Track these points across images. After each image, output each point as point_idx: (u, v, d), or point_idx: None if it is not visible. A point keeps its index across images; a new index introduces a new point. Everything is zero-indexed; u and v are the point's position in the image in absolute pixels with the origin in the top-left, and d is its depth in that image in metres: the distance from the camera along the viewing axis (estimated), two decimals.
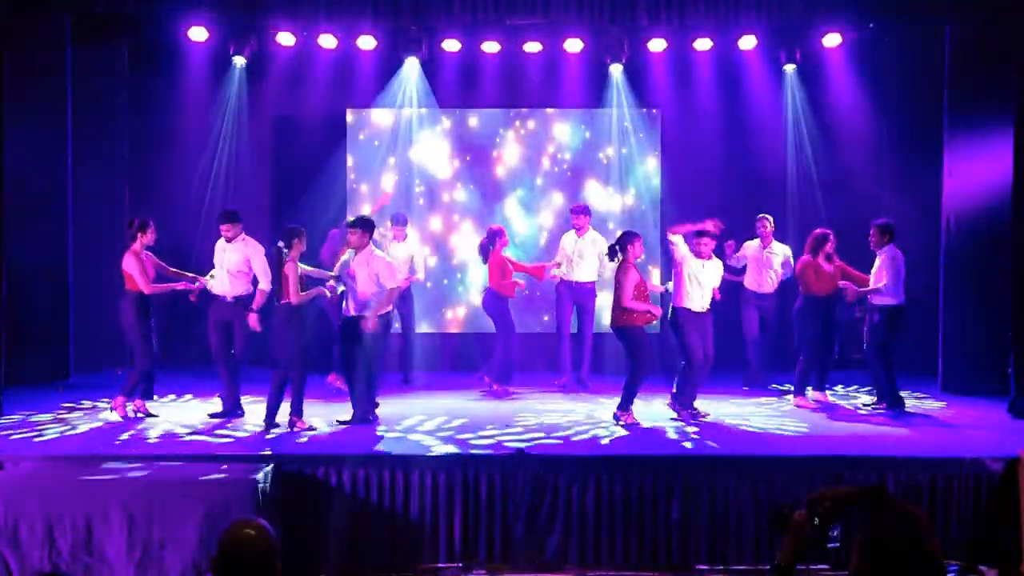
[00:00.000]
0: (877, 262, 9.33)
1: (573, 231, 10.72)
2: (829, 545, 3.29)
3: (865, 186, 12.03)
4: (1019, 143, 9.35)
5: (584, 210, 10.78)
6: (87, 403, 9.55)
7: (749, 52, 11.72)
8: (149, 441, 7.92)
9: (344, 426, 8.44)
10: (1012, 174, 9.45)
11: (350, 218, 9.70)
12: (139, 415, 8.78)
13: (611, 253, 8.90)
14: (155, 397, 9.54)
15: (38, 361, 10.45)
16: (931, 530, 3.20)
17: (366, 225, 8.65)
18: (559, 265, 10.66)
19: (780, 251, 10.67)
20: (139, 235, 8.76)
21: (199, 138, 12.15)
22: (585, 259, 10.58)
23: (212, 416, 8.79)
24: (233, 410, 8.86)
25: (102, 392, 10.10)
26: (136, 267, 8.64)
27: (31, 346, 10.21)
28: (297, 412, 8.34)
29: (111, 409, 8.80)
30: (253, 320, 8.78)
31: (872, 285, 9.24)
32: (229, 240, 8.97)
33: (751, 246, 10.68)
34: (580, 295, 10.64)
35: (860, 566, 3.11)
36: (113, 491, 6.52)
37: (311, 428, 8.33)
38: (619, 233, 9.19)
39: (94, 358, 11.58)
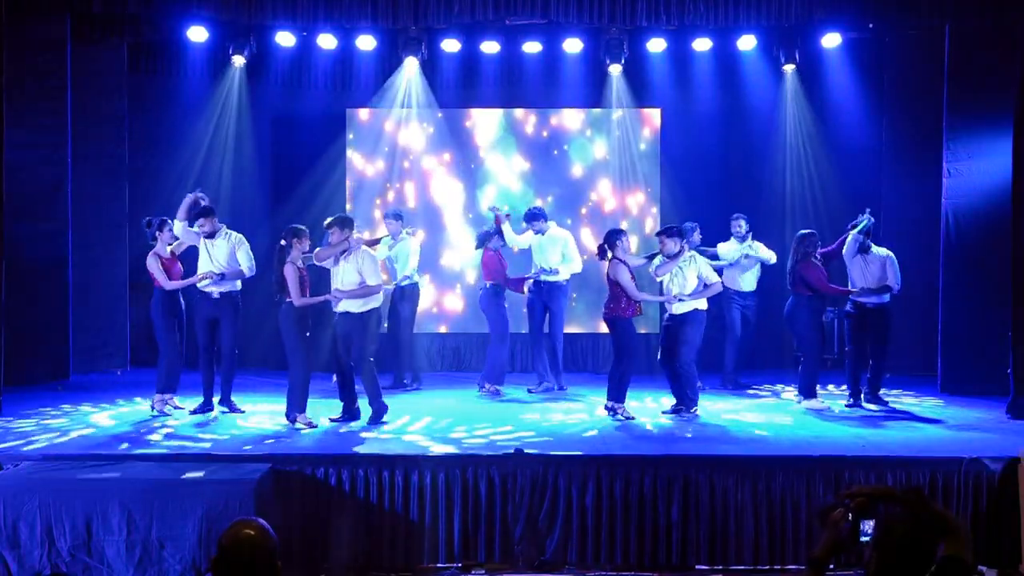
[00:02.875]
0: (866, 262, 9.35)
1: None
2: (861, 539, 3.28)
3: (865, 186, 12.03)
4: (1018, 142, 9.34)
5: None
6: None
7: (749, 52, 11.73)
8: (150, 441, 7.92)
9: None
10: (1012, 173, 9.45)
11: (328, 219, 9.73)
12: (168, 409, 8.98)
13: (601, 252, 9.06)
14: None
15: (38, 361, 10.46)
16: (963, 540, 3.20)
17: (343, 223, 8.68)
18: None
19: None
20: (158, 235, 8.94)
21: (199, 138, 12.15)
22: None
23: (192, 412, 8.98)
24: (206, 406, 9.02)
25: (101, 392, 10.14)
26: (156, 267, 8.89)
27: (31, 346, 10.20)
28: (299, 408, 8.41)
29: (152, 408, 8.95)
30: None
31: (877, 284, 9.29)
32: (209, 236, 9.00)
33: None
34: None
35: (868, 563, 3.14)
36: (113, 491, 6.52)
37: (311, 425, 8.37)
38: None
39: (94, 358, 11.59)
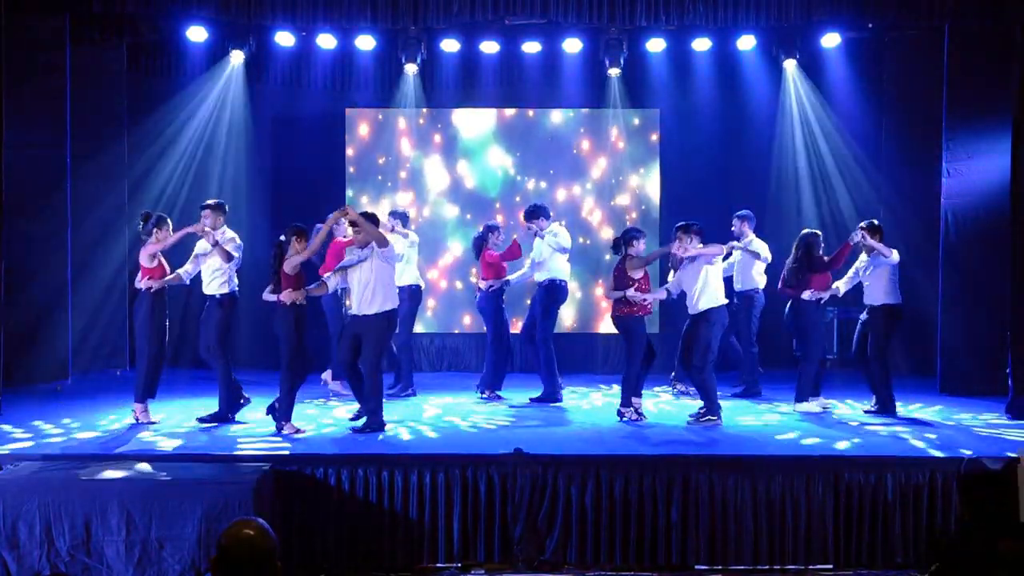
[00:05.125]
0: (870, 263, 9.30)
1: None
2: None
3: (864, 185, 12.05)
4: (1017, 142, 9.35)
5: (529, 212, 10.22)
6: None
7: (748, 52, 11.74)
8: (149, 441, 7.91)
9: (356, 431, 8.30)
10: (1011, 173, 9.46)
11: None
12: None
13: (616, 247, 9.11)
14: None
15: (37, 361, 10.44)
16: None
17: (374, 221, 8.49)
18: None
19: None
20: (155, 231, 8.63)
21: (198, 138, 12.16)
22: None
23: (200, 420, 8.63)
24: (225, 412, 8.72)
25: (100, 392, 10.15)
26: (149, 259, 8.55)
27: (30, 346, 10.20)
28: (285, 416, 8.19)
29: (134, 418, 8.61)
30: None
31: (889, 290, 9.22)
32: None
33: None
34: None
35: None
36: (112, 491, 6.51)
37: (299, 431, 8.17)
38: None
39: (93, 358, 11.59)
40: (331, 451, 7.56)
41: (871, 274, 9.25)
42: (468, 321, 12.27)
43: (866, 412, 9.29)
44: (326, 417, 8.92)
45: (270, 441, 7.91)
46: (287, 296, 8.15)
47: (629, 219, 12.22)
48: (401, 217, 10.34)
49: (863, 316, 9.39)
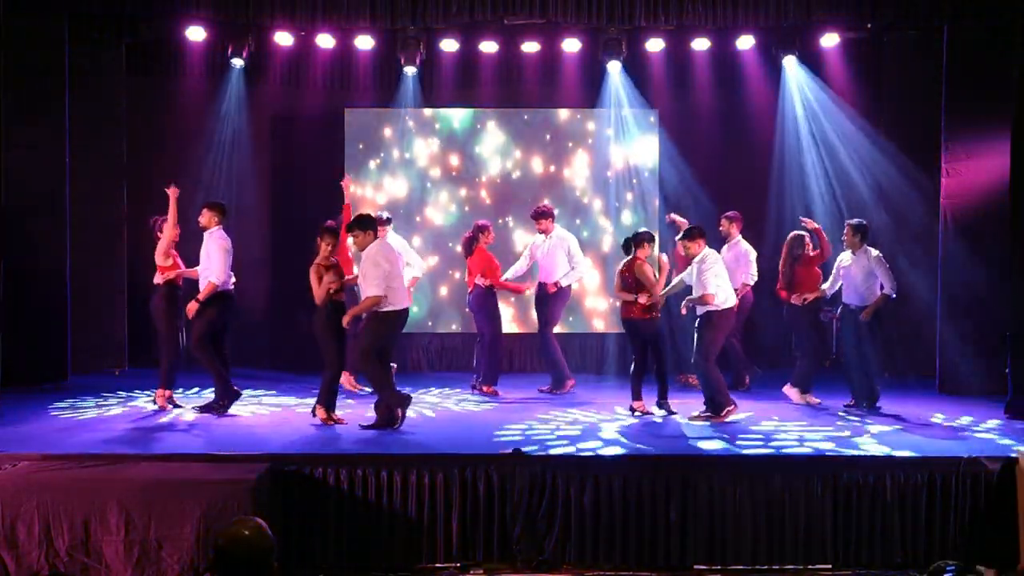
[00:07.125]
0: (855, 263, 9.31)
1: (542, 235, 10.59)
2: None
3: (863, 185, 12.03)
4: (1016, 142, 9.36)
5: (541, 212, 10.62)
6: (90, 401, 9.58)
7: (747, 52, 11.73)
8: (149, 441, 7.91)
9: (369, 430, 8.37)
10: (1010, 173, 9.46)
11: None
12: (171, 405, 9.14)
13: (626, 248, 9.25)
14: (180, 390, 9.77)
15: (36, 361, 10.42)
16: None
17: (362, 224, 8.58)
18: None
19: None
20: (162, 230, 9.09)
21: (197, 137, 12.14)
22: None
23: (197, 408, 9.04)
24: (219, 402, 9.00)
25: (99, 392, 10.14)
26: (163, 258, 9.03)
27: (29, 346, 10.18)
28: (328, 407, 8.48)
29: (154, 402, 9.09)
30: (190, 308, 8.88)
31: (871, 291, 9.23)
32: (203, 229, 9.13)
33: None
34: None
35: None
36: (111, 491, 6.52)
37: (337, 422, 8.44)
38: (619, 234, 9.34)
39: (92, 358, 11.57)
40: (331, 451, 7.56)
41: (847, 272, 9.32)
42: (464, 318, 12.24)
43: (845, 407, 9.41)
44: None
45: (271, 441, 7.90)
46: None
47: (627, 216, 12.22)
48: (383, 222, 10.40)
49: (837, 312, 9.48)
